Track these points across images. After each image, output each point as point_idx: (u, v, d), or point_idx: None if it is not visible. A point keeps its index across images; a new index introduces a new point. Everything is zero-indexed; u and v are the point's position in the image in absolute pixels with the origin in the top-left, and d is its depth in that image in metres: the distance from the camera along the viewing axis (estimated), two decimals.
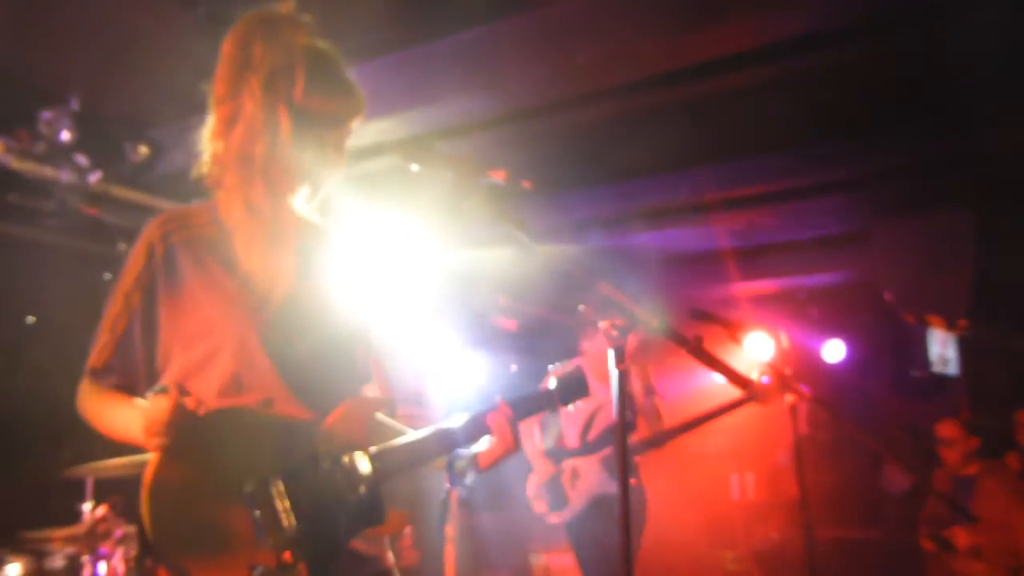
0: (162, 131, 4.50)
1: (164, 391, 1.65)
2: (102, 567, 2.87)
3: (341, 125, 1.73)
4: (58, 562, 2.92)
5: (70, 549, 2.97)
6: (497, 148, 4.27)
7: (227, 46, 1.67)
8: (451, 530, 4.88)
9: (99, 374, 1.70)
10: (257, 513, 1.50)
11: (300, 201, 1.82)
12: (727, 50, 3.48)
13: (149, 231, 1.73)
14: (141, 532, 1.41)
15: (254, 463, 1.54)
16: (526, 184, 1.91)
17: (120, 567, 2.89)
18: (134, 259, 1.72)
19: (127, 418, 1.58)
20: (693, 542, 7.37)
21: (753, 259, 6.46)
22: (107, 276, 5.13)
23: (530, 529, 7.00)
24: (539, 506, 4.34)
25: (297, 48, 1.66)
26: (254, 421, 1.59)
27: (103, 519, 3.04)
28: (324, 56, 1.72)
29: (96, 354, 1.71)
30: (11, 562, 2.82)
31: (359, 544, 1.66)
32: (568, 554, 6.57)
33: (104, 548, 2.93)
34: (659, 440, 4.09)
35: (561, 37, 3.43)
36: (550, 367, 4.17)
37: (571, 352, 4.37)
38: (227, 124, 1.67)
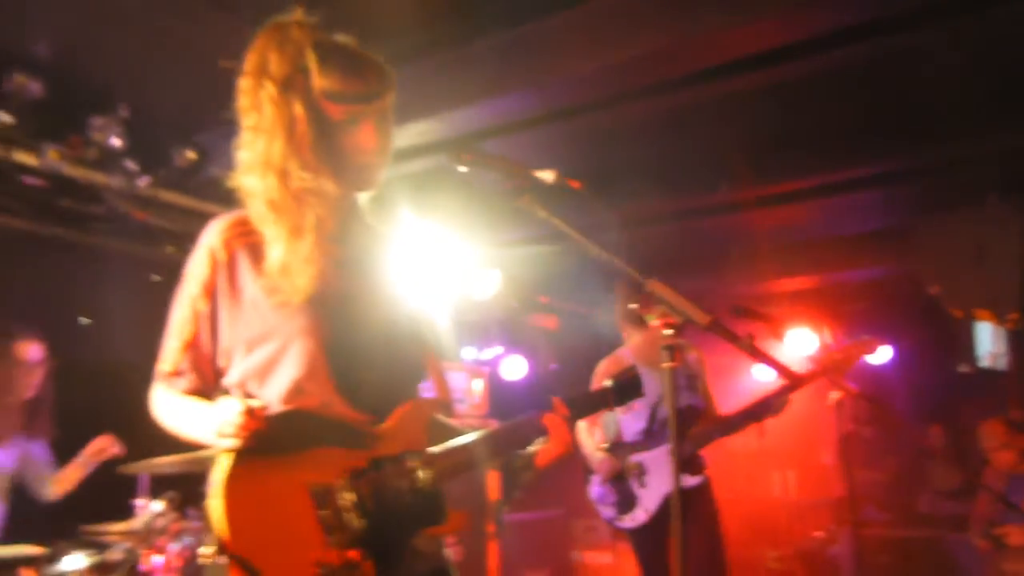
0: (208, 136, 4.58)
1: (232, 394, 1.70)
2: (159, 560, 2.95)
3: (370, 101, 1.73)
4: (117, 555, 3.01)
5: (128, 543, 3.06)
6: (540, 147, 4.29)
7: (247, 60, 1.72)
8: (493, 527, 4.90)
9: (171, 379, 1.75)
10: (323, 512, 1.53)
11: (349, 203, 1.84)
12: (769, 44, 3.46)
13: (211, 237, 1.77)
14: (212, 529, 1.44)
15: (320, 463, 1.58)
16: (575, 184, 1.93)
17: (176, 561, 2.98)
18: (198, 265, 1.76)
19: (199, 420, 1.63)
20: (735, 541, 7.30)
21: (795, 254, 6.40)
22: (155, 278, 5.26)
23: (570, 527, 7.01)
24: (606, 510, 4.04)
25: (308, 45, 1.70)
26: (318, 422, 1.63)
27: (161, 514, 3.13)
28: (337, 44, 1.75)
29: (167, 359, 1.76)
30: (74, 554, 2.92)
31: (419, 543, 1.70)
32: (607, 552, 6.58)
33: (161, 542, 3.01)
34: (734, 424, 3.88)
35: (602, 35, 3.44)
36: (599, 365, 4.08)
37: (613, 349, 4.26)
38: (251, 133, 1.72)
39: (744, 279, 6.95)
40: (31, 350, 3.66)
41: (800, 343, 6.63)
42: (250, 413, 1.50)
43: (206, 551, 1.46)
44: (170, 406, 1.75)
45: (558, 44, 3.60)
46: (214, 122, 4.53)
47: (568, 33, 3.56)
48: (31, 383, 3.65)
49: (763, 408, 3.83)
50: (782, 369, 1.91)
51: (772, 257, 6.34)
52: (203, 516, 3.25)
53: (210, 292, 1.73)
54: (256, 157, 1.70)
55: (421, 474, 1.68)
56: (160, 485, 3.38)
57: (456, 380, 5.45)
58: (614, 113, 4.02)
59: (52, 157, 4.12)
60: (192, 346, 1.73)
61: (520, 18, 3.55)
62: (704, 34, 3.34)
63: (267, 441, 1.53)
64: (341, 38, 1.77)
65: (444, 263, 4.77)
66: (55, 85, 3.85)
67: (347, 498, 1.56)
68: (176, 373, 1.75)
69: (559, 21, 3.52)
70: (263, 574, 1.44)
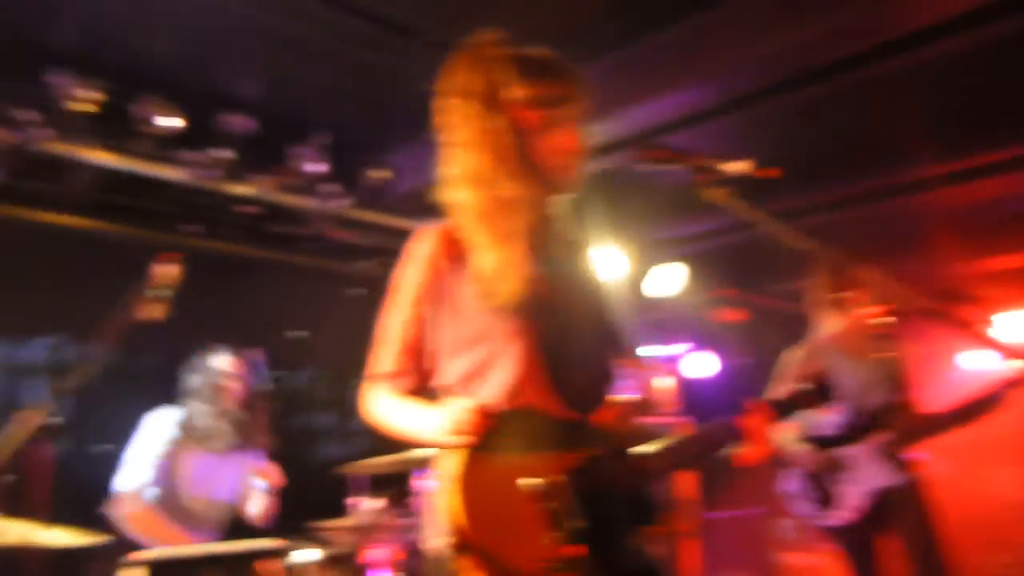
0: (398, 154, 4.86)
1: (443, 395, 1.79)
2: (380, 554, 3.16)
3: (567, 105, 1.82)
4: (342, 549, 3.25)
5: (351, 538, 3.29)
6: (722, 136, 4.19)
7: (447, 81, 1.82)
8: (691, 527, 4.82)
9: (392, 380, 1.85)
10: (547, 509, 1.58)
11: (549, 207, 1.90)
12: (960, 9, 3.21)
13: (425, 245, 1.86)
14: (441, 522, 1.54)
15: (542, 461, 1.63)
16: (772, 172, 1.88)
17: (395, 555, 3.17)
18: (414, 271, 1.86)
19: (425, 420, 1.72)
20: (955, 544, 6.74)
21: (1008, 230, 5.84)
22: (354, 292, 5.64)
23: (770, 527, 6.75)
24: (806, 508, 3.86)
25: (504, 60, 1.79)
26: (538, 421, 1.69)
27: (381, 511, 3.35)
28: (530, 54, 1.83)
29: (385, 362, 1.87)
30: (305, 548, 3.18)
31: (634, 541, 1.72)
32: (809, 552, 6.27)
33: (382, 537, 3.22)
34: (946, 422, 3.62)
35: (782, 14, 3.32)
36: (790, 354, 3.91)
37: (799, 339, 4.04)
38: (457, 149, 1.81)
39: (949, 259, 6.42)
40: (228, 363, 3.83)
41: (1016, 327, 6.03)
42: (482, 412, 1.58)
43: (438, 543, 1.55)
44: (391, 407, 1.85)
45: (735, 29, 3.52)
46: (401, 142, 4.81)
47: (745, 16, 3.47)
48: (232, 395, 3.79)
49: (981, 405, 3.52)
50: (1012, 352, 1.76)
51: (981, 234, 5.82)
52: (412, 512, 3.45)
53: (426, 297, 1.83)
54: (463, 171, 1.80)
55: (637, 473, 1.71)
56: (367, 484, 3.57)
57: (647, 379, 5.42)
58: (800, 94, 3.85)
59: (264, 186, 4.53)
60: (412, 349, 1.84)
61: (696, 8, 3.50)
62: (894, 5, 3.15)
63: (494, 439, 1.60)
64: (532, 49, 1.84)
65: (631, 261, 4.77)
66: (261, 119, 4.24)
67: (569, 495, 1.61)
68: (397, 375, 1.85)
69: (734, 5, 3.44)
70: (496, 565, 1.51)
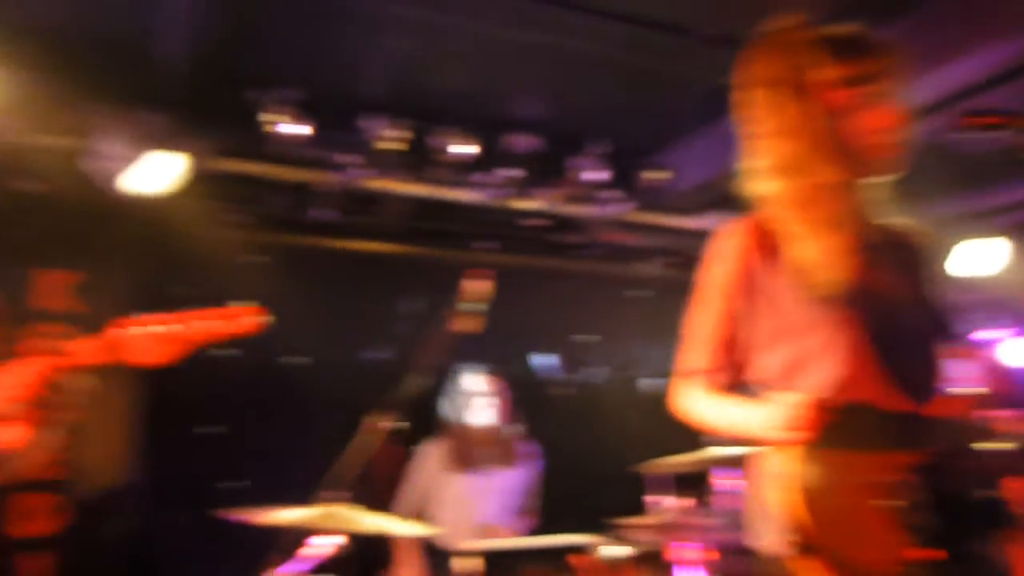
0: (673, 154, 4.85)
1: (774, 389, 1.76)
2: (687, 553, 3.17)
3: (881, 79, 1.73)
4: (648, 547, 3.31)
5: (654, 536, 3.33)
6: None
7: (740, 73, 1.80)
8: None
9: (709, 376, 1.85)
10: (898, 507, 1.51)
11: (866, 190, 1.81)
12: None
13: (734, 240, 1.84)
14: (778, 521, 1.52)
15: (884, 457, 1.57)
16: None
17: (706, 553, 3.16)
18: (728, 266, 1.84)
19: (752, 416, 1.69)
20: None
21: None
22: (631, 293, 5.71)
23: None
24: None
25: (811, 42, 1.73)
26: (876, 415, 1.62)
27: (683, 509, 3.36)
28: (835, 32, 1.76)
29: (700, 358, 1.87)
30: (613, 544, 3.29)
31: (986, 547, 1.59)
32: None
33: (684, 535, 3.23)
34: None
35: None
36: None
37: None
38: (769, 139, 1.78)
39: None
40: (482, 382, 3.85)
41: None
42: (817, 406, 1.54)
43: (775, 542, 1.53)
44: (710, 403, 1.84)
45: None
46: (676, 140, 4.80)
47: None
48: (489, 414, 3.82)
49: None
50: None
51: None
52: (714, 510, 3.40)
53: (738, 291, 1.81)
54: (775, 161, 1.77)
55: (983, 473, 1.57)
56: (668, 483, 3.58)
57: (981, 369, 4.87)
58: None
59: (550, 199, 4.77)
60: (725, 344, 1.83)
61: None
62: None
63: (830, 434, 1.55)
64: (838, 27, 1.77)
65: (945, 239, 4.35)
66: (542, 136, 4.47)
67: (920, 495, 1.52)
68: (712, 370, 1.84)
69: None
70: (844, 566, 1.47)
